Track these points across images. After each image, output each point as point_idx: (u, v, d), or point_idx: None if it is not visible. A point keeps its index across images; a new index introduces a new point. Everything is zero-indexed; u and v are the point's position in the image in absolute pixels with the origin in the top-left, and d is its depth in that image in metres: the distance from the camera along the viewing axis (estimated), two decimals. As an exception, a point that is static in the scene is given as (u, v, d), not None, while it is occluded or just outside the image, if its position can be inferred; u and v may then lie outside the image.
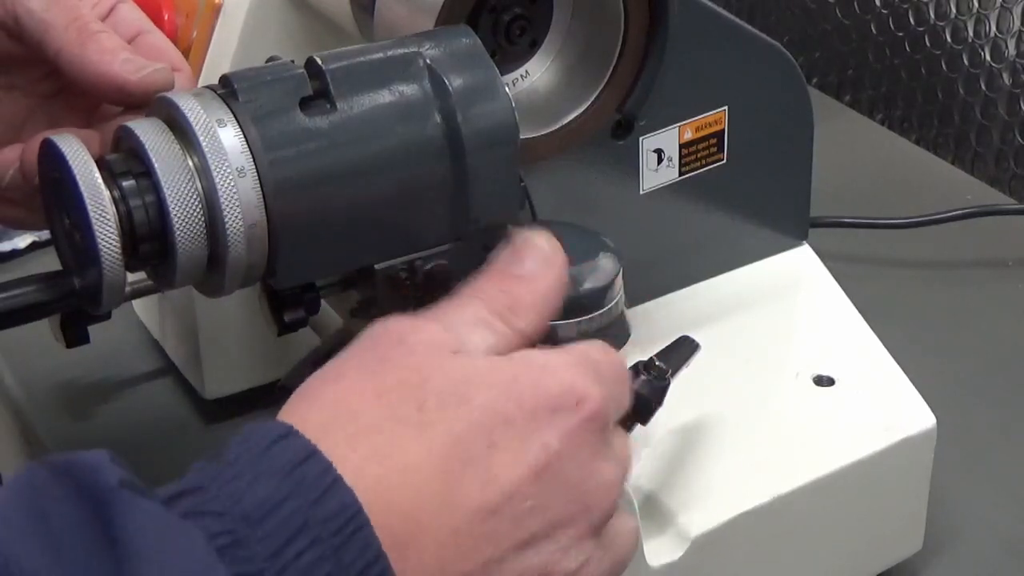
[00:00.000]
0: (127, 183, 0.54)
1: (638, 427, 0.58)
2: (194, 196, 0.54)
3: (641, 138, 0.73)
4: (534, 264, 0.55)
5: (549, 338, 0.55)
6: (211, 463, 0.46)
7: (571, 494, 0.50)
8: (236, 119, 0.54)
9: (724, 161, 0.77)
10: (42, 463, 0.44)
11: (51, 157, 0.54)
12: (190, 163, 0.54)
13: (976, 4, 1.15)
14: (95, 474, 0.44)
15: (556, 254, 0.55)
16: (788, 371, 0.75)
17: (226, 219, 0.54)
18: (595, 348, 0.54)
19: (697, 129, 0.75)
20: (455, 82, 0.57)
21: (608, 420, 0.53)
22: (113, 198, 0.53)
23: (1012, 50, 1.13)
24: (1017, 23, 1.12)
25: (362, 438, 0.47)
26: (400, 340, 0.51)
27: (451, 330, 0.52)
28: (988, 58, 1.15)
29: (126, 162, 0.54)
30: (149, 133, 0.54)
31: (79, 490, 0.43)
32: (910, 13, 1.21)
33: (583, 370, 0.52)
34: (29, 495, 0.43)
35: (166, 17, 0.80)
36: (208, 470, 0.46)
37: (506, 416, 0.49)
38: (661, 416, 0.59)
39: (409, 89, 0.57)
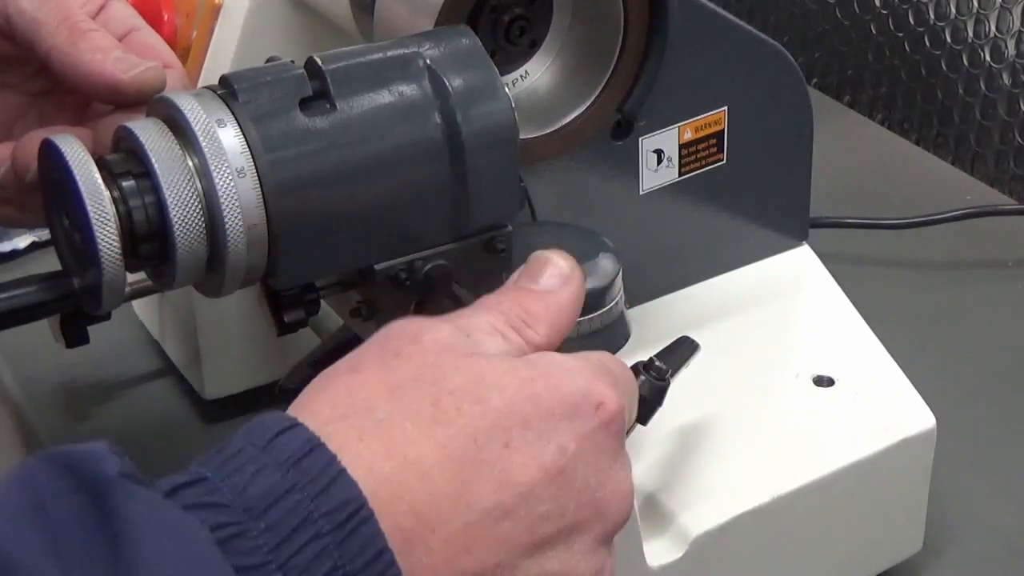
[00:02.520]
0: (127, 183, 0.54)
1: (638, 427, 0.58)
2: (194, 197, 0.54)
3: (641, 138, 0.73)
4: (551, 280, 0.55)
5: None
6: (215, 455, 0.46)
7: (587, 499, 0.50)
8: (236, 119, 0.54)
9: (724, 161, 0.77)
10: (41, 456, 0.44)
11: (51, 157, 0.54)
12: (190, 163, 0.54)
13: (976, 4, 1.15)
14: (94, 465, 0.43)
15: (574, 272, 0.55)
16: (788, 371, 0.75)
17: (226, 220, 0.54)
18: (609, 357, 0.54)
19: (697, 129, 0.75)
20: (455, 82, 0.57)
21: (624, 425, 0.52)
22: (113, 198, 0.53)
23: (1012, 50, 1.13)
24: (1017, 23, 1.12)
25: (374, 432, 0.47)
26: (415, 338, 0.50)
27: (465, 333, 0.51)
28: (988, 58, 1.15)
29: (126, 162, 0.54)
30: (149, 133, 0.54)
31: (78, 481, 0.43)
32: (910, 13, 1.21)
33: (600, 373, 0.52)
34: (27, 487, 0.43)
35: (166, 17, 0.80)
36: (211, 461, 0.46)
37: (523, 417, 0.49)
38: (661, 416, 0.59)
39: (409, 89, 0.57)
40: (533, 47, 0.69)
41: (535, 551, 0.48)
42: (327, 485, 0.45)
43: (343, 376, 0.50)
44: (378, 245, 0.58)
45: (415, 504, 0.46)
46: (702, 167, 0.76)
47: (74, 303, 0.57)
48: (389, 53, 0.58)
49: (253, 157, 0.54)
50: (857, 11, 1.26)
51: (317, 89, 0.56)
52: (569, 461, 0.49)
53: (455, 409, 0.48)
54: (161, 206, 0.54)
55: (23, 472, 0.43)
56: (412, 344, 0.50)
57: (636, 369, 0.58)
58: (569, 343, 0.55)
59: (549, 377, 0.50)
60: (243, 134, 0.54)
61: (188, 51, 0.80)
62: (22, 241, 1.03)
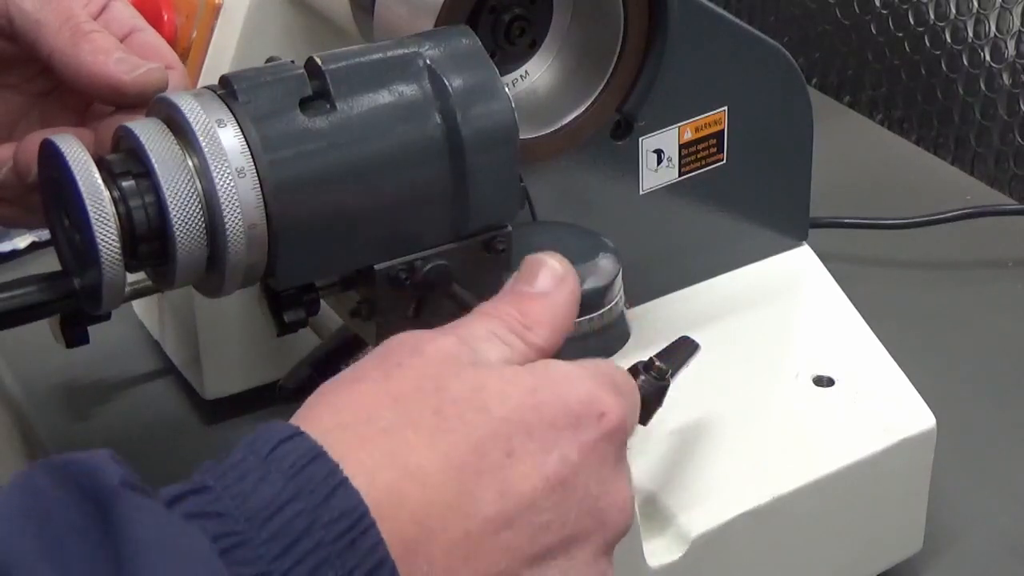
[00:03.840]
0: (127, 183, 0.54)
1: (638, 427, 0.58)
2: (194, 197, 0.54)
3: (641, 138, 0.73)
4: (546, 282, 0.55)
5: None
6: (217, 463, 0.46)
7: (588, 509, 0.50)
8: (236, 119, 0.55)
9: (724, 161, 0.77)
10: (42, 464, 0.44)
11: (51, 157, 0.54)
12: (190, 163, 0.54)
13: (976, 4, 1.15)
14: (96, 474, 0.43)
15: (568, 273, 0.55)
16: (788, 371, 0.75)
17: (226, 220, 0.54)
18: (609, 364, 0.54)
19: (697, 129, 0.75)
20: (455, 82, 0.57)
21: (627, 435, 0.52)
22: (113, 198, 0.53)
23: (1012, 50, 1.13)
24: (1017, 23, 1.12)
25: (376, 441, 0.47)
26: (416, 349, 0.50)
27: (466, 343, 0.51)
28: (988, 58, 1.15)
29: (126, 162, 0.54)
30: (149, 133, 0.54)
31: (80, 491, 0.43)
32: (910, 13, 1.21)
33: (604, 383, 0.51)
34: (30, 496, 0.43)
35: (166, 17, 0.80)
36: (213, 470, 0.46)
37: (526, 426, 0.49)
38: (661, 416, 0.59)
39: (409, 89, 0.57)
40: (533, 47, 0.69)
41: (536, 561, 0.48)
42: (329, 495, 0.45)
43: (345, 385, 0.50)
44: (378, 245, 0.58)
45: (416, 513, 0.46)
46: (702, 167, 0.76)
47: (74, 303, 0.57)
48: (389, 53, 0.58)
49: (253, 157, 0.54)
50: (857, 11, 1.26)
51: (317, 89, 0.56)
52: (571, 471, 0.49)
53: (457, 418, 0.48)
54: (161, 206, 0.54)
55: (25, 480, 0.43)
56: (414, 356, 0.50)
57: (636, 369, 0.58)
58: (569, 343, 0.55)
59: (552, 386, 0.50)
60: (243, 134, 0.54)
61: (188, 51, 0.80)
62: (22, 241, 1.03)
